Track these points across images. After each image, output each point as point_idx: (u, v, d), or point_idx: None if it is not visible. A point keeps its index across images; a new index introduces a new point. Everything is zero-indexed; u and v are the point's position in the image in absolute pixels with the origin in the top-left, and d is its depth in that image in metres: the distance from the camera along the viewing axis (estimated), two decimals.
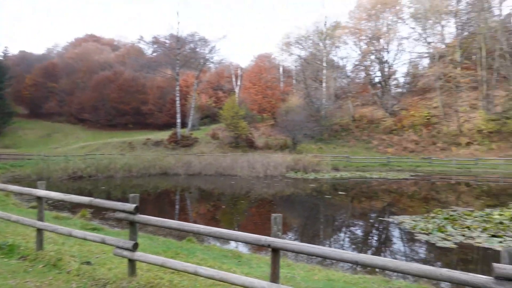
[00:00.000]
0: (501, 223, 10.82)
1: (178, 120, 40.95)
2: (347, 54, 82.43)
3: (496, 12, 43.70)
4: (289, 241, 3.45)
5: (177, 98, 41.84)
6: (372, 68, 51.20)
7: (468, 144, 38.03)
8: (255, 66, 50.37)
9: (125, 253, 4.33)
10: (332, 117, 45.64)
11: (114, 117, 57.88)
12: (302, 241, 10.11)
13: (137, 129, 55.81)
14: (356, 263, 3.07)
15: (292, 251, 3.41)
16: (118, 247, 4.40)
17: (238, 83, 52.04)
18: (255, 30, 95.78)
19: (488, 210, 13.08)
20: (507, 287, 2.52)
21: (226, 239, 5.55)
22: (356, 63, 52.53)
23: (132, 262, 4.37)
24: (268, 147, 38.80)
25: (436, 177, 27.54)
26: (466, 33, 46.05)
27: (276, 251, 3.47)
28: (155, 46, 65.76)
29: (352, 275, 6.26)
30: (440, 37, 46.53)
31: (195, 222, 12.35)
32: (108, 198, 16.86)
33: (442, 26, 46.11)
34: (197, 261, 5.54)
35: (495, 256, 8.19)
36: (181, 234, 8.97)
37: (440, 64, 42.79)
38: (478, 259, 8.40)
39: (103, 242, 4.66)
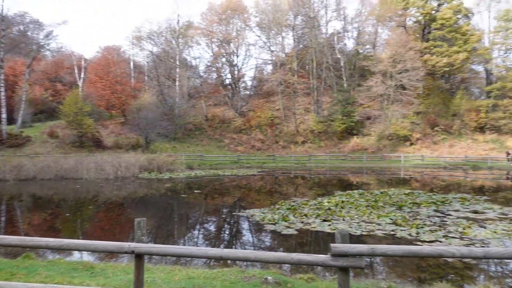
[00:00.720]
0: (329, 209, 12.96)
1: (4, 115, 34.31)
2: (200, 54, 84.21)
3: (324, 30, 51.85)
4: (154, 245, 3.42)
5: (2, 89, 35.00)
6: (223, 70, 53.68)
7: (303, 142, 43.96)
8: (102, 59, 46.20)
9: None
10: (185, 116, 45.89)
11: None
12: (156, 242, 9.95)
13: None
14: (220, 258, 3.28)
15: (158, 254, 3.39)
16: None
17: (82, 75, 46.98)
18: (102, 18, 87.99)
19: (319, 199, 15.45)
20: (340, 261, 3.12)
21: (82, 251, 5.05)
22: (208, 64, 54.21)
23: None
24: (119, 146, 36.35)
25: (279, 172, 30.89)
26: (301, 46, 53.06)
27: (140, 257, 3.39)
28: None
29: (211, 270, 6.53)
30: (281, 47, 52.21)
31: (27, 234, 10.69)
32: None
33: (283, 37, 51.89)
34: (42, 279, 4.86)
35: (324, 237, 9.80)
36: (14, 251, 7.63)
37: (281, 71, 47.99)
38: (313, 241, 9.87)
39: None
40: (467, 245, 8.68)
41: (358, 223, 10.95)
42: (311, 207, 13.57)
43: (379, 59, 44.53)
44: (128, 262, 7.28)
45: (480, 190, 19.74)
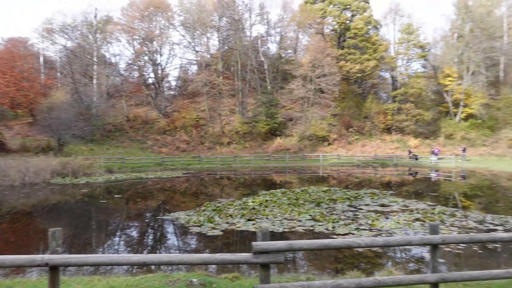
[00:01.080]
0: (253, 208, 13.33)
1: None
2: (120, 51, 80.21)
3: (248, 33, 52.86)
4: (71, 256, 3.26)
5: None
6: (145, 69, 51.64)
7: (228, 143, 44.34)
8: (6, 52, 41.33)
9: None
10: (104, 116, 43.27)
11: None
12: (71, 252, 9.31)
13: None
14: (144, 264, 3.25)
15: (76, 265, 3.24)
16: None
17: None
18: (5, 7, 78.50)
19: (244, 199, 15.79)
20: (261, 258, 3.31)
21: None
22: (130, 62, 51.75)
23: None
24: (26, 149, 32.87)
25: (205, 174, 30.74)
26: (226, 47, 53.42)
27: (55, 269, 3.20)
28: None
29: (133, 277, 6.33)
30: (206, 47, 52.01)
31: None
32: None
33: (208, 38, 51.74)
34: None
35: (249, 236, 10.08)
36: None
37: (206, 72, 47.83)
38: (238, 240, 10.08)
39: None
40: (375, 235, 9.64)
41: (280, 220, 11.46)
42: (236, 207, 13.81)
43: (300, 63, 46.83)
44: (39, 276, 6.71)
45: (387, 185, 21.95)
